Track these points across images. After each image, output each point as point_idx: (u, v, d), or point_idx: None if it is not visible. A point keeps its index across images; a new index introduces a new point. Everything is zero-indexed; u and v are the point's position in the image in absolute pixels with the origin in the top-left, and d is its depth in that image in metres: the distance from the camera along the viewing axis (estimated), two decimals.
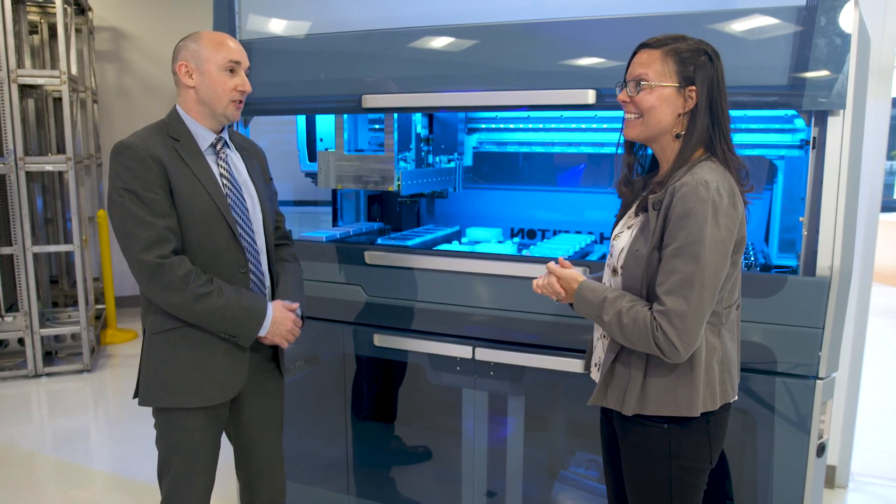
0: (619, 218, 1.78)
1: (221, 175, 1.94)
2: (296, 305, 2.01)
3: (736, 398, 1.71)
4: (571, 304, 1.70)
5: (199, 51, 1.87)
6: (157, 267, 1.78)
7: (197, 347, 1.90)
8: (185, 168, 1.86)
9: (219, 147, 1.96)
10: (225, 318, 1.86)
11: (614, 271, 1.68)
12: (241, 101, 1.94)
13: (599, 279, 1.79)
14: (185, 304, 1.82)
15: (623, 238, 1.67)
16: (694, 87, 1.56)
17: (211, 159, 1.94)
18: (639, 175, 1.77)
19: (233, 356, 1.95)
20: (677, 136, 1.60)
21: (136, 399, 1.97)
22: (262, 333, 1.94)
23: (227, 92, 1.89)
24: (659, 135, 1.62)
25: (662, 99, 1.58)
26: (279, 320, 1.95)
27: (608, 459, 1.87)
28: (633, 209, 1.70)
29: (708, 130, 1.58)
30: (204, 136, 1.93)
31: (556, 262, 1.73)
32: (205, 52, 1.87)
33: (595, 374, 1.79)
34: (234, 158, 2.02)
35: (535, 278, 1.77)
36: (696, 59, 1.56)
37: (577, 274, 1.68)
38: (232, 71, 1.90)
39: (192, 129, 1.91)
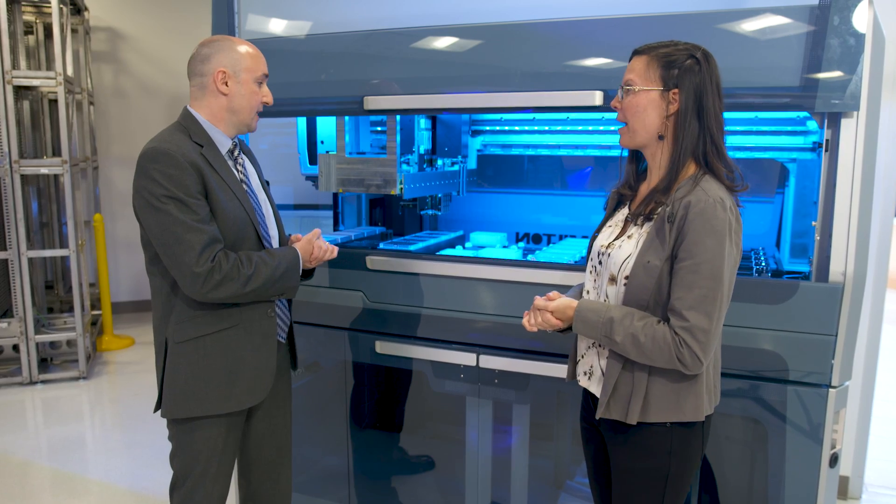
0: (602, 224, 1.78)
1: (241, 181, 1.96)
2: (312, 233, 2.07)
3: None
4: (562, 330, 1.72)
5: (240, 60, 1.88)
6: (210, 270, 1.79)
7: (227, 353, 1.91)
8: (214, 174, 1.87)
9: (236, 153, 1.97)
10: (275, 283, 1.90)
11: (612, 280, 1.67)
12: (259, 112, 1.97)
13: (580, 290, 1.82)
14: (239, 290, 1.84)
15: (626, 247, 1.65)
16: (677, 91, 1.57)
17: (230, 164, 1.95)
18: (626, 185, 1.77)
19: (261, 358, 1.96)
20: (661, 138, 1.61)
21: (159, 412, 1.95)
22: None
23: (257, 103, 1.93)
24: (647, 140, 1.64)
25: (647, 103, 1.60)
26: (305, 258, 2.01)
27: (594, 468, 1.86)
28: (622, 215, 1.72)
29: (698, 137, 1.58)
30: (222, 143, 1.93)
31: (544, 298, 1.73)
32: (245, 62, 1.88)
33: (585, 382, 1.78)
34: (247, 164, 2.04)
35: (523, 317, 1.76)
36: (680, 62, 1.57)
37: (569, 300, 1.70)
38: (260, 83, 1.93)
39: (211, 135, 1.91)
